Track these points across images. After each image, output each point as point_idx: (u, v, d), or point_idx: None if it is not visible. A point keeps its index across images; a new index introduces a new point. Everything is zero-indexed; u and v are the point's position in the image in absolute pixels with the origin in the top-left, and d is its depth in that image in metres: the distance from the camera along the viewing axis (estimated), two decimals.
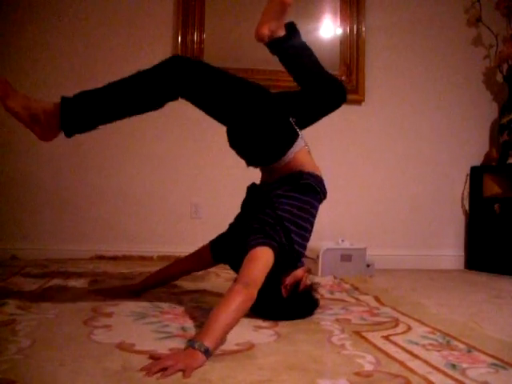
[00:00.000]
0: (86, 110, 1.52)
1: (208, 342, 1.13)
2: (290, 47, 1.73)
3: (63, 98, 1.52)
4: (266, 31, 1.69)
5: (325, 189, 1.70)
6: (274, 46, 1.73)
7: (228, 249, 1.74)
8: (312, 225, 1.65)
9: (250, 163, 1.77)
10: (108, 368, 1.08)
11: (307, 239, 1.65)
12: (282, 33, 1.72)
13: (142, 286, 1.91)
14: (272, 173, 1.70)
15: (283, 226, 1.54)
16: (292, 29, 1.75)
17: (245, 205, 1.78)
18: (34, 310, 1.58)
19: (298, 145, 1.68)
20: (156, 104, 1.60)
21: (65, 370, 1.07)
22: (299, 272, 1.64)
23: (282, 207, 1.56)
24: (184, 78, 1.56)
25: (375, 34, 3.25)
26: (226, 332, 1.22)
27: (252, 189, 1.76)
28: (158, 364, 1.07)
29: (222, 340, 1.20)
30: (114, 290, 1.94)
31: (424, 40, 3.32)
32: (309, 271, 2.68)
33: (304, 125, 1.79)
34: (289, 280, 1.60)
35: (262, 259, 1.43)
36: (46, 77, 3.01)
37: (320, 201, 1.69)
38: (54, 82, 3.00)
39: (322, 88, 1.76)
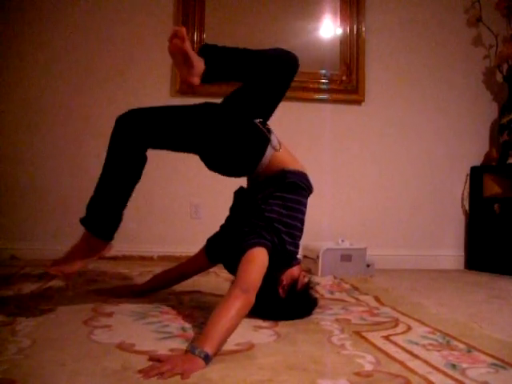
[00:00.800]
0: (104, 213, 1.61)
1: (208, 348, 1.14)
2: (219, 68, 1.68)
3: (83, 221, 1.63)
4: (193, 79, 1.61)
5: (310, 183, 1.69)
6: (207, 80, 1.66)
7: (221, 250, 1.74)
8: (302, 222, 1.65)
9: (237, 176, 1.77)
10: (108, 368, 1.08)
11: (298, 237, 1.65)
12: (202, 65, 1.64)
13: (143, 287, 1.92)
14: (256, 177, 1.69)
15: (273, 226, 1.54)
16: (206, 52, 1.69)
17: (233, 209, 1.78)
18: (34, 310, 1.57)
19: (272, 144, 1.65)
20: (141, 163, 1.62)
21: (65, 369, 1.07)
22: (295, 271, 1.64)
23: (269, 208, 1.57)
24: (139, 132, 1.57)
25: (375, 34, 3.25)
26: (226, 337, 1.22)
27: (239, 193, 1.76)
28: (155, 368, 1.07)
29: (222, 345, 1.21)
30: (116, 289, 1.94)
31: (424, 40, 3.32)
32: (308, 271, 2.69)
33: (271, 111, 1.75)
34: (286, 280, 1.60)
35: (257, 261, 1.44)
36: (46, 76, 3.01)
37: (307, 196, 1.69)
38: (53, 82, 3.02)
39: (273, 68, 1.68)
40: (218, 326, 1.20)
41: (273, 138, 1.68)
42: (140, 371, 1.06)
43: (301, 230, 1.65)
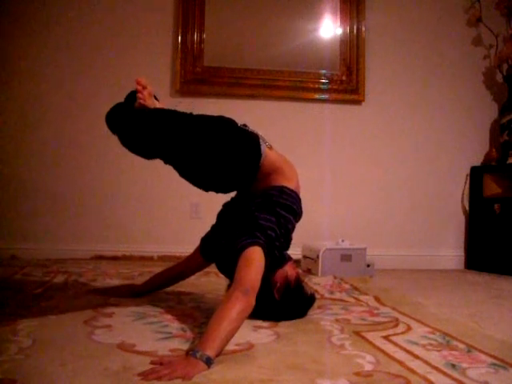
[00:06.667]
0: None
1: (209, 351, 1.13)
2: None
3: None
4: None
5: (301, 209, 1.68)
6: None
7: (214, 250, 1.73)
8: (288, 241, 1.65)
9: (242, 190, 1.74)
10: (109, 368, 1.08)
11: (285, 249, 1.65)
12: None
13: (142, 288, 1.92)
14: (253, 187, 1.67)
15: (266, 233, 1.51)
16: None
17: (221, 216, 1.77)
18: (34, 310, 1.58)
19: (263, 145, 1.63)
20: None
21: (65, 369, 1.07)
22: (286, 270, 1.62)
23: (263, 216, 1.54)
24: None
25: (375, 33, 3.25)
26: (227, 340, 1.20)
27: (230, 203, 1.75)
28: (155, 371, 1.06)
29: (223, 348, 1.19)
30: (116, 289, 1.94)
31: (424, 40, 3.32)
32: (308, 271, 2.69)
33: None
34: (279, 281, 1.58)
35: (255, 261, 1.41)
36: (45, 78, 3.02)
37: (297, 221, 1.68)
38: (53, 84, 3.02)
39: None
40: (220, 329, 1.18)
41: (260, 135, 1.67)
42: (140, 374, 1.06)
43: (286, 248, 1.64)
